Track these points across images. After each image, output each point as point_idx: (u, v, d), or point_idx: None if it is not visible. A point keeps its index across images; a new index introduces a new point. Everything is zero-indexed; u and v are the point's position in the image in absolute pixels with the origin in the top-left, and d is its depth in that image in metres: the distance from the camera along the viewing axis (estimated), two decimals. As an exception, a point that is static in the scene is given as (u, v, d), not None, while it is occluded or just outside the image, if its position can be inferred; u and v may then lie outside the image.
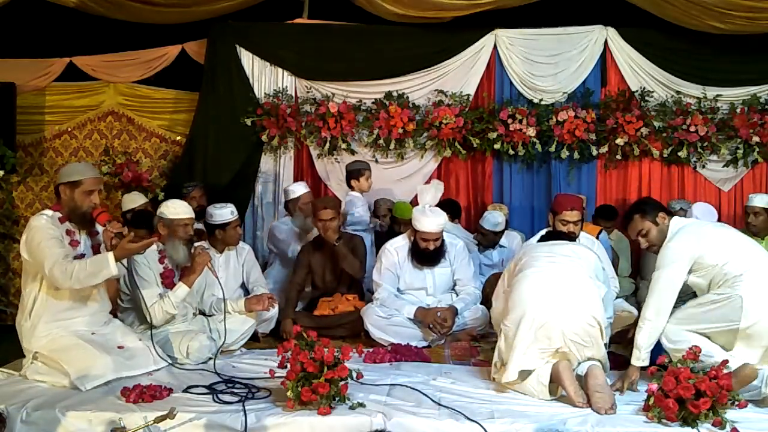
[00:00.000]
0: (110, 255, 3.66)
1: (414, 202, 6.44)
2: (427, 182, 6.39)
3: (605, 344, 3.70)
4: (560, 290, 3.63)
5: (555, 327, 3.50)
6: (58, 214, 3.82)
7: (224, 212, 4.96)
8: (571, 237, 4.73)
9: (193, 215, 4.46)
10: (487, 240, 5.76)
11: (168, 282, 4.30)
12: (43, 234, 3.70)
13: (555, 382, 3.48)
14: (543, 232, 5.03)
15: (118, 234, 3.75)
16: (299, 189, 5.79)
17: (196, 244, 4.37)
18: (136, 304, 4.32)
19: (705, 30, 5.89)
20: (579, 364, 3.56)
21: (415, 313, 4.79)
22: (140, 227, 5.22)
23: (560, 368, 3.44)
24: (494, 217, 5.73)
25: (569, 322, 3.51)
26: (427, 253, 4.84)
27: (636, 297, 5.32)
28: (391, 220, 5.91)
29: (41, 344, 3.76)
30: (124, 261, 4.00)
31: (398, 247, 4.98)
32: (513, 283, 3.78)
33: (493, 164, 6.54)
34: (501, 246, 5.82)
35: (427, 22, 6.15)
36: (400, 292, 4.99)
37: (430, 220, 4.76)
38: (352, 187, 5.90)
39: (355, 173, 5.87)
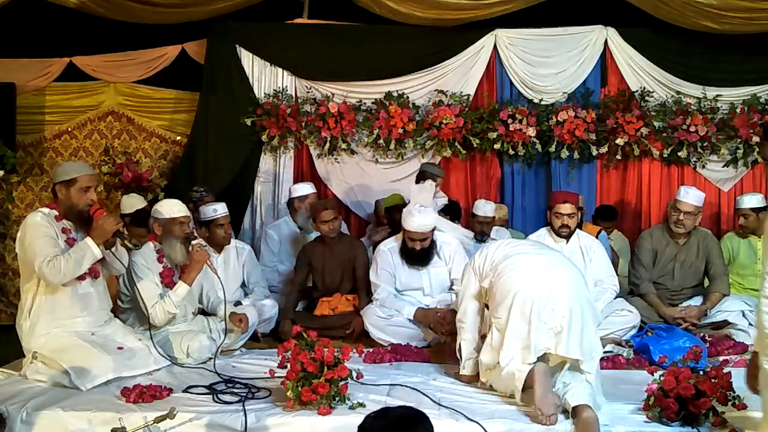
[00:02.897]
0: (88, 239, 3.69)
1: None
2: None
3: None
4: (553, 272, 3.52)
5: (548, 303, 3.36)
6: (55, 212, 3.82)
7: (207, 210, 4.98)
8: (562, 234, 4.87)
9: (188, 213, 4.45)
10: (482, 227, 5.74)
11: (168, 281, 4.28)
12: (36, 232, 3.70)
13: (528, 388, 3.30)
14: (542, 230, 5.08)
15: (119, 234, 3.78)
16: (308, 188, 5.82)
17: (193, 242, 4.36)
18: (136, 305, 4.30)
19: (702, 30, 5.89)
20: (565, 369, 3.41)
21: (415, 314, 4.79)
22: (139, 226, 5.22)
23: (536, 370, 3.26)
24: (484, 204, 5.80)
25: (562, 299, 3.38)
26: (414, 254, 4.83)
27: (634, 295, 5.33)
28: (390, 212, 5.90)
29: (40, 343, 3.75)
30: (124, 258, 3.98)
31: (391, 247, 4.98)
32: (500, 273, 3.60)
33: (493, 164, 6.54)
34: (492, 239, 5.81)
35: (431, 24, 6.15)
36: (398, 293, 4.99)
37: (416, 219, 4.73)
38: None
39: (429, 176, 5.66)
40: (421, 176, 5.73)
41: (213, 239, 4.99)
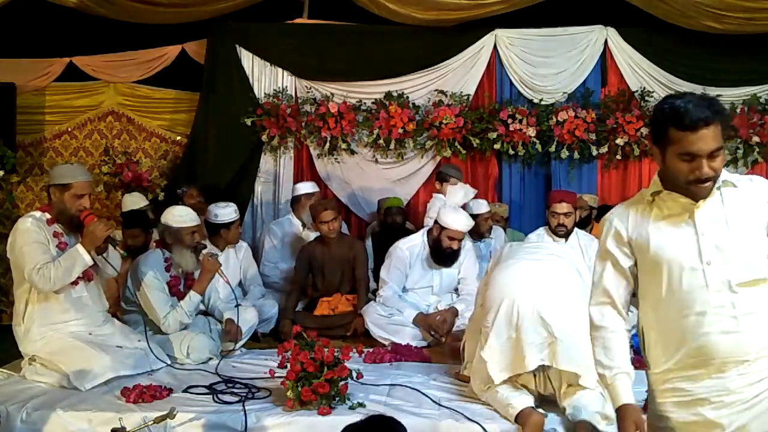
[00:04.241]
0: (78, 246, 3.64)
1: (413, 202, 6.47)
2: (426, 182, 6.44)
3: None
4: (545, 279, 3.35)
5: (538, 316, 3.18)
6: (47, 216, 3.75)
7: (228, 211, 5.01)
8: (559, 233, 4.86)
9: (199, 222, 4.43)
10: (478, 226, 5.72)
11: (175, 290, 4.27)
12: (26, 238, 3.64)
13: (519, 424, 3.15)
14: (540, 230, 5.08)
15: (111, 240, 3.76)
16: (312, 187, 5.84)
17: (204, 251, 4.34)
18: (140, 307, 4.27)
19: (703, 30, 5.89)
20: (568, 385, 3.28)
21: (415, 317, 4.79)
22: (132, 227, 5.20)
23: (530, 423, 3.07)
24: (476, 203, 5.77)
25: (556, 310, 3.21)
26: (448, 252, 4.82)
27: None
28: (385, 215, 5.90)
29: (37, 347, 3.72)
30: (115, 261, 3.96)
31: (411, 246, 4.94)
32: (490, 279, 3.48)
33: (493, 164, 6.54)
34: (490, 239, 5.82)
35: (429, 25, 6.15)
36: (404, 291, 4.98)
37: (464, 219, 4.77)
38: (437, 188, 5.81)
39: (443, 177, 5.71)
40: (439, 177, 5.78)
41: (229, 239, 5.02)
